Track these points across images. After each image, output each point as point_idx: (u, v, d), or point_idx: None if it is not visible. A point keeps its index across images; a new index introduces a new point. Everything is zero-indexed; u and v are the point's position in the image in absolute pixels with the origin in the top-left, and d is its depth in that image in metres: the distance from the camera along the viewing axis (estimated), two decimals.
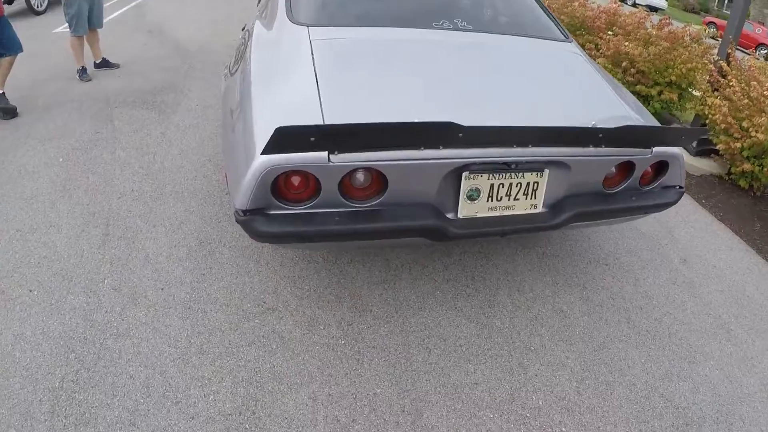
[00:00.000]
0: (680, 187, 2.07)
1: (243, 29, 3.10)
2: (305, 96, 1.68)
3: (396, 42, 2.15)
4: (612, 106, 2.06)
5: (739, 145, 3.73)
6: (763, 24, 22.08)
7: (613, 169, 1.89)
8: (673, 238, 3.04)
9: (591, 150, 1.74)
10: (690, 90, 4.73)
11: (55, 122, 3.67)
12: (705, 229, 3.25)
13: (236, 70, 2.19)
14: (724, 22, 23.39)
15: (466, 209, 1.75)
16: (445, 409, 1.83)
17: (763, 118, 3.65)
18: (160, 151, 3.35)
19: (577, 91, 2.17)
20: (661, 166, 1.98)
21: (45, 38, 5.65)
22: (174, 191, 2.92)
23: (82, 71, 4.42)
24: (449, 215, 1.75)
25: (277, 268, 2.39)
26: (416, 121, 1.47)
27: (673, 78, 4.53)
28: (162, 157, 3.28)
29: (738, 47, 4.55)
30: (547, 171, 1.75)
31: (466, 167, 1.65)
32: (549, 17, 2.73)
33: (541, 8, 2.79)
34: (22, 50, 3.71)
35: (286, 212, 1.60)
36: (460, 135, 1.49)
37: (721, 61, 4.37)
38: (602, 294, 2.48)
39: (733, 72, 4.16)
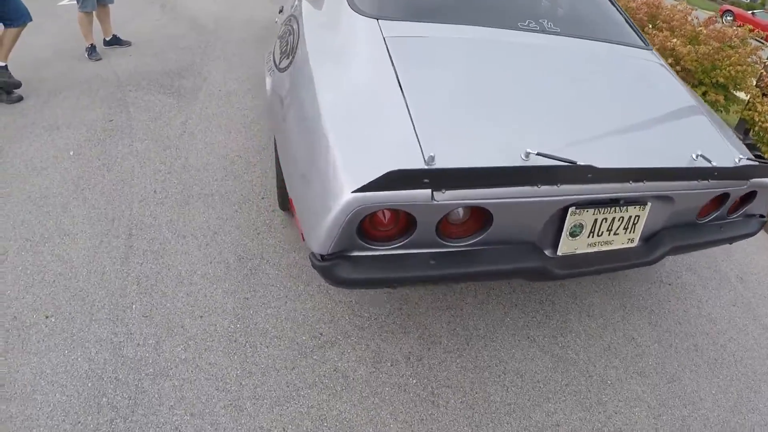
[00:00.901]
0: (762, 216, 2.05)
1: (280, 11, 2.78)
2: (394, 121, 1.45)
3: (483, 45, 1.90)
4: (709, 134, 1.94)
5: None
6: None
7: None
8: (728, 254, 2.89)
9: (697, 183, 1.68)
10: (735, 93, 4.45)
11: (63, 108, 3.35)
12: (757, 244, 3.04)
13: (287, 66, 1.92)
14: (740, 11, 22.75)
15: (566, 246, 1.63)
16: None
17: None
18: (183, 145, 3.04)
19: (675, 116, 2.01)
20: (749, 195, 1.95)
21: (50, 11, 5.27)
22: (202, 194, 2.63)
23: (92, 50, 4.08)
24: (547, 252, 1.64)
25: (330, 291, 2.12)
26: (545, 164, 1.38)
27: (721, 79, 4.25)
28: (185, 152, 2.97)
29: (758, 39, 4.32)
30: (649, 204, 1.68)
31: (574, 203, 1.50)
32: (627, 21, 2.51)
33: (619, 11, 2.56)
34: (31, 19, 3.37)
35: (371, 254, 1.39)
36: (589, 176, 1.39)
37: None
38: (669, 319, 2.36)
39: None
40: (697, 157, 1.68)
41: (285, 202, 2.28)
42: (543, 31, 2.09)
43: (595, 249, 1.68)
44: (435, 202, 1.28)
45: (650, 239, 1.80)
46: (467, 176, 1.28)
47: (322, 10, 2.08)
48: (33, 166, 2.73)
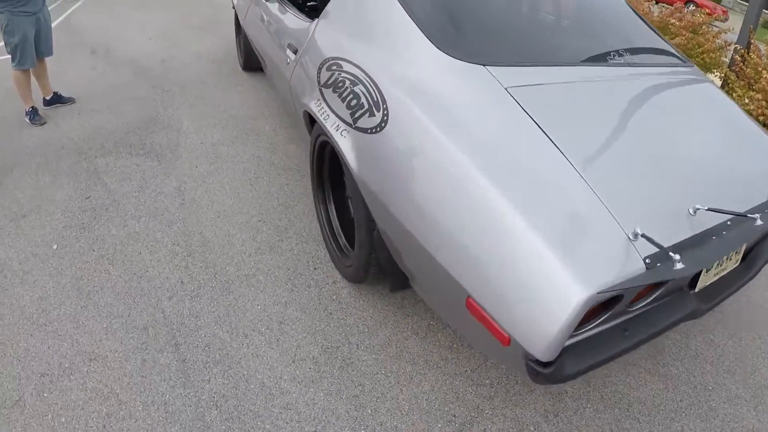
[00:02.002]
0: None
1: (296, 53, 2.45)
2: (574, 193, 1.34)
3: (593, 89, 1.77)
4: None
5: None
6: None
7: None
8: None
9: None
10: (711, 75, 4.65)
11: (22, 189, 2.81)
12: None
13: (378, 131, 1.66)
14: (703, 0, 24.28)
15: (703, 281, 1.59)
16: None
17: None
18: (189, 217, 2.63)
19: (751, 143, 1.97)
20: None
21: None
22: (241, 275, 2.25)
23: (33, 113, 3.50)
24: (689, 290, 1.62)
25: (437, 362, 1.90)
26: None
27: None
28: (197, 226, 2.56)
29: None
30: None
31: None
32: (661, 37, 2.45)
33: (652, 28, 2.49)
34: None
35: (574, 341, 1.33)
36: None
37: (742, 49, 4.35)
38: (733, 314, 2.35)
39: (762, 60, 4.14)
40: None
41: (398, 283, 1.94)
42: (628, 64, 1.97)
43: (717, 277, 1.66)
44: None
45: (746, 255, 1.82)
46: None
47: (394, 52, 1.83)
48: (12, 271, 2.22)
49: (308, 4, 3.76)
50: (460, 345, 2.01)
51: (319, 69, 2.14)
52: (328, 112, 1.95)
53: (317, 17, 2.43)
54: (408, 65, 1.76)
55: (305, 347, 1.92)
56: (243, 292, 2.16)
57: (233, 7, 4.72)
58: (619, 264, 1.20)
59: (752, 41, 4.28)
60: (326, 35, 2.26)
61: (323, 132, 2.06)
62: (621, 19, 2.34)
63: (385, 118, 1.66)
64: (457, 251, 1.35)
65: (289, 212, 2.73)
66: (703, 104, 2.02)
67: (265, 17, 3.23)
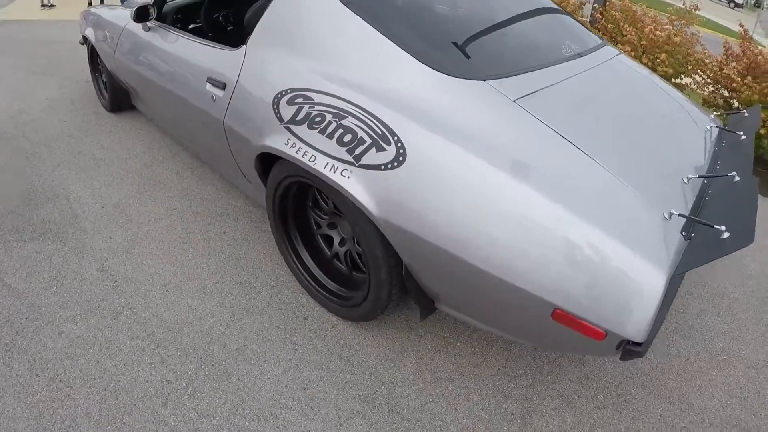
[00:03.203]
0: None
1: (224, 88, 2.23)
2: (610, 189, 1.48)
3: (573, 87, 1.92)
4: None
5: None
6: None
7: None
8: None
9: None
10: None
11: None
12: None
13: (397, 165, 1.60)
14: None
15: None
16: None
17: (663, 55, 4.26)
18: (133, 300, 2.31)
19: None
20: None
21: None
22: (233, 352, 2.06)
23: None
24: None
25: (471, 371, 2.00)
26: None
27: (669, 69, 4.69)
28: (147, 308, 2.26)
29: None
30: None
31: None
32: (576, 20, 2.72)
33: (567, 14, 2.74)
34: None
35: None
36: None
37: (600, 7, 4.90)
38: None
39: (618, 15, 4.71)
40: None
41: (427, 310, 1.91)
42: (578, 55, 2.16)
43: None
44: None
45: None
46: None
47: (378, 78, 1.78)
48: None
49: (211, 28, 3.45)
50: (480, 348, 2.09)
51: (275, 104, 1.96)
52: (312, 152, 1.80)
53: (243, 44, 2.22)
54: (402, 90, 1.71)
55: (344, 405, 1.82)
56: (244, 369, 1.97)
57: (83, 43, 4.13)
58: (669, 243, 1.37)
59: None
60: (268, 63, 2.09)
61: (301, 173, 1.93)
62: (551, 14, 2.50)
63: (402, 150, 1.59)
64: (538, 269, 1.38)
65: (243, 264, 2.52)
66: (638, 79, 2.27)
67: (153, 51, 2.88)
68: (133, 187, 3.15)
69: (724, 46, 4.38)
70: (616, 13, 4.82)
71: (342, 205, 1.82)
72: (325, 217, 2.24)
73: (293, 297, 2.33)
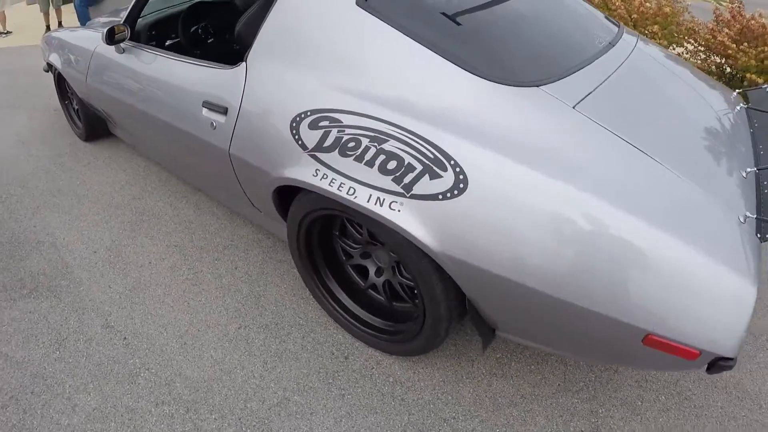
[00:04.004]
0: None
1: (226, 113, 2.01)
2: (683, 193, 1.38)
3: (619, 80, 1.79)
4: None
5: None
6: None
7: None
8: None
9: None
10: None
11: None
12: None
13: (457, 194, 1.43)
14: None
15: None
16: None
17: (655, 27, 4.16)
18: (149, 359, 2.09)
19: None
20: None
21: None
22: (274, 406, 1.88)
23: None
24: None
25: (531, 392, 1.86)
26: None
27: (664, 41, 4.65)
28: (167, 366, 2.06)
29: None
30: None
31: None
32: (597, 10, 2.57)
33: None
34: None
35: None
36: None
37: None
38: None
39: None
40: None
41: (489, 340, 1.77)
42: (610, 45, 2.01)
43: None
44: None
45: None
46: None
47: (420, 93, 1.59)
48: None
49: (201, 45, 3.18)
50: (536, 365, 1.99)
51: (294, 129, 1.75)
52: (350, 184, 1.59)
53: (241, 60, 2.00)
54: (448, 104, 1.54)
55: None
56: (291, 426, 1.79)
57: (47, 71, 3.82)
58: (750, 249, 1.30)
59: None
60: (277, 82, 1.86)
61: (335, 207, 1.74)
62: (574, 3, 2.34)
63: (462, 176, 1.42)
64: (625, 294, 1.28)
65: (264, 302, 2.33)
66: (664, 64, 2.16)
67: (132, 75, 2.63)
68: (124, 224, 2.90)
69: (715, 13, 4.32)
70: None
71: (389, 240, 1.65)
72: (356, 246, 2.05)
73: (327, 335, 2.15)
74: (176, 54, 2.41)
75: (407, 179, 1.49)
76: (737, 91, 2.33)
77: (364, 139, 1.58)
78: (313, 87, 1.76)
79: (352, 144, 1.61)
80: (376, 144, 1.56)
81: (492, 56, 1.72)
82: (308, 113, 1.73)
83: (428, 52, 1.62)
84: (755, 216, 1.38)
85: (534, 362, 2.03)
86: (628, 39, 2.18)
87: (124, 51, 2.69)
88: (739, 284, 1.23)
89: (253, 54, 1.96)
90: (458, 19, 1.88)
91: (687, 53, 4.56)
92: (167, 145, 2.68)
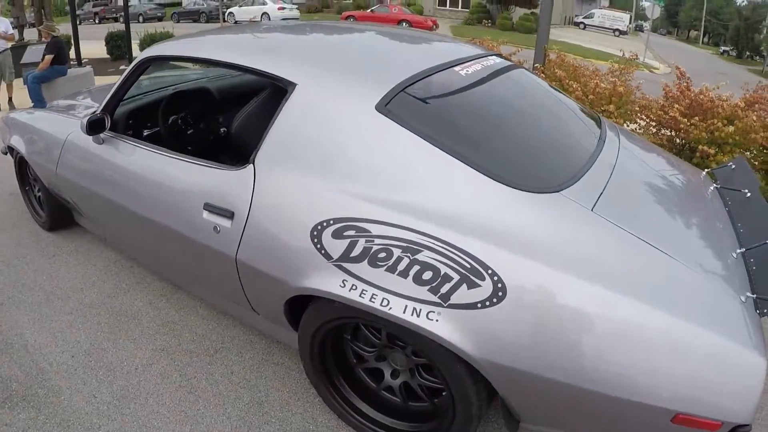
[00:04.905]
0: None
1: (233, 217, 2.00)
2: (692, 281, 1.55)
3: (616, 178, 1.95)
4: None
5: None
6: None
7: None
8: None
9: None
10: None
11: None
12: None
13: (496, 302, 1.51)
14: (361, 12, 28.04)
15: None
16: None
17: (611, 107, 4.67)
18: None
19: None
20: None
21: None
22: None
23: None
24: None
25: None
26: None
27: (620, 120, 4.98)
28: None
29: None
30: None
31: None
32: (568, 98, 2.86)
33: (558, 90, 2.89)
34: None
35: None
36: None
37: (540, 66, 5.39)
38: None
39: (561, 72, 5.15)
40: None
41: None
42: (602, 138, 2.26)
43: None
44: None
45: None
46: None
47: (449, 201, 1.67)
48: None
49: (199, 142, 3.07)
50: None
51: (316, 238, 1.76)
52: (383, 295, 1.64)
53: (247, 162, 1.99)
54: (478, 212, 1.63)
55: None
56: None
57: (6, 153, 3.68)
58: (754, 324, 1.46)
59: (547, 56, 5.37)
60: (293, 188, 1.87)
61: (359, 316, 1.78)
62: (562, 101, 2.61)
63: (500, 284, 1.51)
64: (656, 380, 1.42)
65: (268, 409, 2.28)
66: (644, 148, 2.50)
67: (114, 169, 2.55)
68: (102, 326, 2.78)
69: (664, 89, 4.76)
70: (559, 71, 5.28)
71: (422, 347, 1.72)
72: (370, 350, 2.11)
73: None
74: (168, 150, 2.36)
75: (444, 289, 1.55)
76: (706, 171, 2.60)
77: (396, 249, 1.62)
78: (334, 194, 1.78)
79: (383, 255, 1.64)
80: (409, 254, 1.60)
81: (513, 163, 1.86)
82: (331, 222, 1.74)
83: (454, 160, 1.70)
84: (754, 295, 1.53)
85: None
86: (611, 132, 2.43)
87: (103, 142, 2.60)
88: (751, 358, 1.37)
89: (261, 156, 1.96)
90: (475, 126, 2.04)
91: (640, 129, 4.99)
92: (153, 244, 2.62)
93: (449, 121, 1.95)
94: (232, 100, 3.38)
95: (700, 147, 4.15)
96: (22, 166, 3.64)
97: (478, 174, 1.68)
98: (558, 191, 1.69)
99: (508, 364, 1.53)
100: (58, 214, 3.51)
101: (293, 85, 1.98)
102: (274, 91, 2.44)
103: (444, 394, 1.88)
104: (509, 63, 2.68)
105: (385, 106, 1.81)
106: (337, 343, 2.12)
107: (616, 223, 1.62)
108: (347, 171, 1.80)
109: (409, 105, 1.87)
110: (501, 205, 1.64)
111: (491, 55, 2.59)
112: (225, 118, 3.34)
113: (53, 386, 2.37)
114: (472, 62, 2.34)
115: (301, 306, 1.99)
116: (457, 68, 2.22)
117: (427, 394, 2.00)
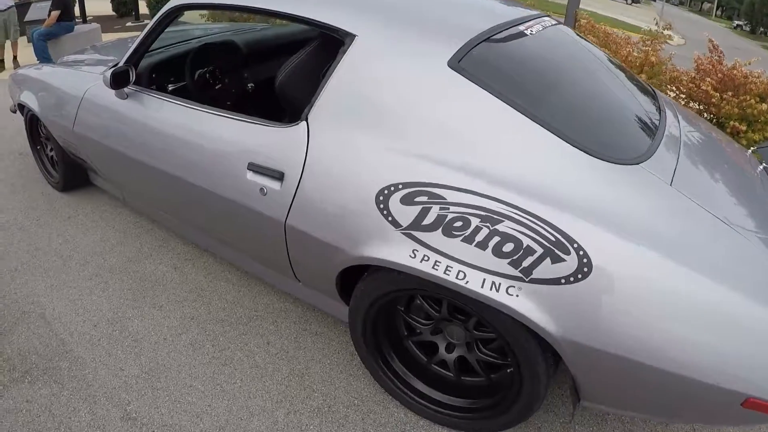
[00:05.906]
0: None
1: (282, 178, 1.83)
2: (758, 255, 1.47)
3: (686, 153, 1.83)
4: None
5: None
6: None
7: None
8: None
9: None
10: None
11: None
12: None
13: (581, 277, 1.38)
14: None
15: None
16: None
17: (643, 76, 4.45)
18: None
19: None
20: None
21: None
22: None
23: None
24: None
25: None
26: None
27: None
28: None
29: None
30: None
31: None
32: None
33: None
34: None
35: None
36: None
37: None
38: None
39: (594, 39, 4.96)
40: None
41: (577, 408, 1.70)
42: (665, 111, 2.08)
43: None
44: None
45: None
46: None
47: (531, 170, 1.52)
48: None
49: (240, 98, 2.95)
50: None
51: (381, 203, 1.60)
52: (459, 267, 1.48)
53: (298, 119, 1.83)
54: (561, 183, 1.49)
55: None
56: None
57: (16, 111, 3.46)
58: None
59: (577, 21, 5.28)
60: (354, 149, 1.70)
61: (427, 288, 1.63)
62: (627, 73, 2.41)
63: (585, 260, 1.37)
64: (731, 362, 1.32)
65: (310, 382, 2.10)
66: (701, 125, 2.29)
67: (142, 126, 2.35)
68: (125, 292, 2.58)
69: (696, 62, 4.59)
70: (592, 37, 5.04)
71: (497, 324, 1.55)
72: (426, 322, 1.90)
73: (387, 414, 1.96)
74: (207, 106, 2.16)
75: (526, 263, 1.42)
76: (751, 149, 2.46)
77: (474, 218, 1.47)
78: (402, 157, 1.62)
79: (459, 224, 1.49)
80: (488, 224, 1.45)
81: (593, 131, 1.70)
82: (400, 186, 1.58)
83: (533, 124, 1.56)
84: None
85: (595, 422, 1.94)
86: (668, 101, 2.30)
87: (127, 96, 2.42)
88: None
89: (316, 113, 1.80)
90: (550, 89, 1.86)
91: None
92: (184, 206, 2.43)
93: (525, 83, 1.79)
94: (263, 53, 3.17)
95: (731, 123, 4.00)
96: (33, 125, 3.43)
97: (559, 140, 1.54)
98: (637, 163, 1.57)
99: (587, 342, 1.41)
100: (72, 174, 3.31)
101: (352, 36, 1.80)
102: (325, 43, 2.19)
103: (507, 370, 1.77)
104: (563, 25, 2.47)
105: (458, 63, 1.65)
106: (390, 315, 1.95)
107: (694, 201, 1.53)
108: (416, 132, 1.64)
109: (483, 63, 1.71)
110: (584, 175, 1.51)
111: (545, 16, 2.39)
112: (258, 73, 3.14)
113: (76, 358, 2.18)
114: (533, 21, 2.15)
115: (352, 276, 1.84)
116: (521, 27, 2.02)
117: (484, 368, 1.85)
